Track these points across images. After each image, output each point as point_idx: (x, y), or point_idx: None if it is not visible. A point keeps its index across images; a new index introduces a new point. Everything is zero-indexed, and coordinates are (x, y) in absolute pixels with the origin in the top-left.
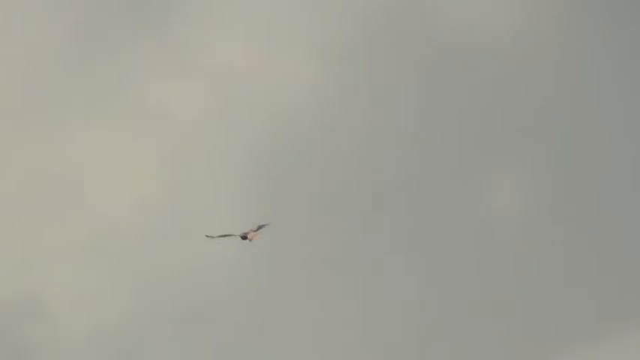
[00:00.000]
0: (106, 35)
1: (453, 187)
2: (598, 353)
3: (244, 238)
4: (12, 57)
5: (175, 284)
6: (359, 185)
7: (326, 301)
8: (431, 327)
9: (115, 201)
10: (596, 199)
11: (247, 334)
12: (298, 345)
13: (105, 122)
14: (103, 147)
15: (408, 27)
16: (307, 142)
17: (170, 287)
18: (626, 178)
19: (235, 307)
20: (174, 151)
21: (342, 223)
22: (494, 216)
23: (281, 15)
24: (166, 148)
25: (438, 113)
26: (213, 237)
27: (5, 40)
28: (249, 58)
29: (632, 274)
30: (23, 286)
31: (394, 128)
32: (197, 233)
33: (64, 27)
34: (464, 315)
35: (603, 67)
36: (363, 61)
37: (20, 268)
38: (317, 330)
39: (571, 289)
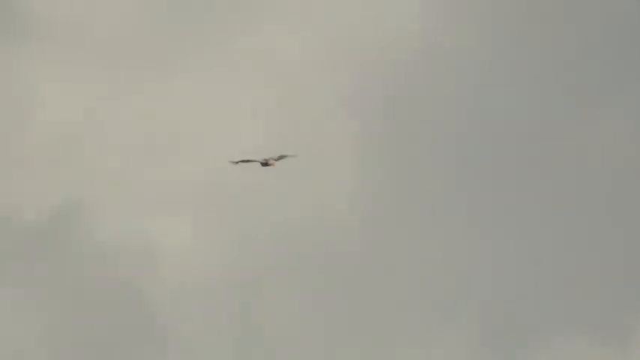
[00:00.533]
0: None
1: None
2: None
3: (265, 164)
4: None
5: (284, 235)
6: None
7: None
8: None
9: (219, 151)
10: None
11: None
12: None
13: (209, 71)
14: (211, 97)
15: None
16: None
17: (278, 237)
18: None
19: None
20: (279, 96)
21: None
22: None
23: None
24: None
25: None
26: (235, 162)
27: None
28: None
29: None
30: (137, 234)
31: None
32: (305, 183)
33: None
34: None
35: None
36: None
37: (133, 218)
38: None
39: None
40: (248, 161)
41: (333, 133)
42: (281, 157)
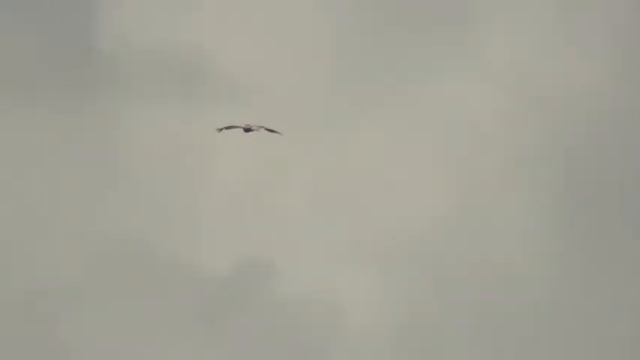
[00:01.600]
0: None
1: None
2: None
3: (247, 130)
4: (297, 53)
5: (467, 282)
6: None
7: None
8: None
9: (400, 204)
10: None
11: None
12: None
13: (390, 122)
14: (390, 149)
15: None
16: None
17: (462, 284)
18: None
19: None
20: (461, 153)
21: None
22: None
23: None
24: (454, 150)
25: None
26: (220, 129)
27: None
28: (545, 58)
29: None
30: (318, 283)
31: None
32: (484, 233)
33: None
34: None
35: None
36: None
37: (314, 268)
38: None
39: None
40: (231, 127)
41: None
42: (270, 130)
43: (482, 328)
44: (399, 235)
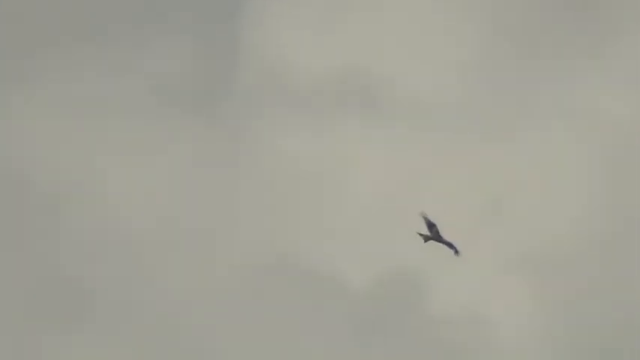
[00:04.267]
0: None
1: None
2: None
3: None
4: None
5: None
6: None
7: None
8: None
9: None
10: None
11: None
12: None
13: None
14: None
15: None
16: None
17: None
18: None
19: None
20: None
21: None
22: None
23: None
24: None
25: None
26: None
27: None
28: None
29: None
30: (470, 298)
31: None
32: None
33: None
34: None
35: None
36: None
37: (464, 285)
38: None
39: None
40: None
41: None
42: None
43: None
44: (555, 248)
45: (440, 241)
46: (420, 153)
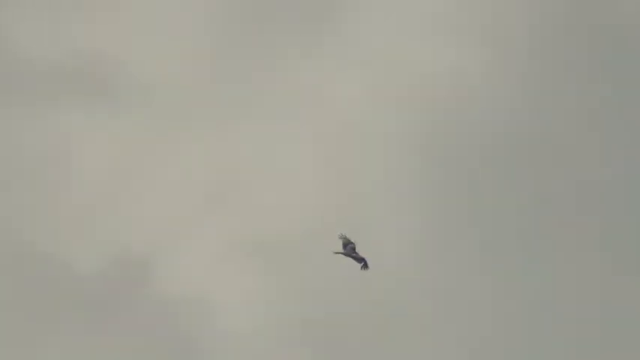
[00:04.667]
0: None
1: None
2: None
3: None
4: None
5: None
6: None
7: None
8: None
9: (277, 201)
10: None
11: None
12: None
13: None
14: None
15: None
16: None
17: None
18: None
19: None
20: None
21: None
22: None
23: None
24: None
25: None
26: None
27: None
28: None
29: None
30: (193, 284)
31: None
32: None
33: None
34: None
35: None
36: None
37: (189, 267)
38: None
39: None
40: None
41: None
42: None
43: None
44: (280, 233)
45: (351, 256)
46: (148, 141)
